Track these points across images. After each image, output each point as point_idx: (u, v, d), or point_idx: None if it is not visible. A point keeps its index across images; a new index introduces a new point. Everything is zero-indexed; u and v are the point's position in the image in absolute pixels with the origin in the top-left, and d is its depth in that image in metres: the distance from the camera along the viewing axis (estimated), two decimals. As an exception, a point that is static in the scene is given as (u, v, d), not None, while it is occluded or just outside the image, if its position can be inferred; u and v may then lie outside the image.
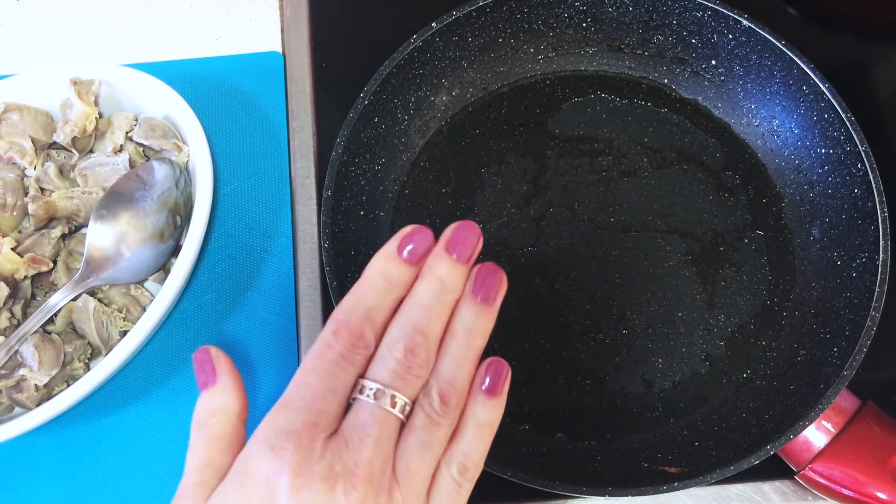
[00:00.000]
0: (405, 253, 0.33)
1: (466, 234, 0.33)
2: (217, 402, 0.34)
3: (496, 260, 0.51)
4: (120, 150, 0.52)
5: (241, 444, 0.34)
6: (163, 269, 0.51)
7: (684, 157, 0.54)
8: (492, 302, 0.34)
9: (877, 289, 0.45)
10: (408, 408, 0.32)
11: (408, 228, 0.34)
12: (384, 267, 0.33)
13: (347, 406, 0.32)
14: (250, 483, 0.30)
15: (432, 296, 0.33)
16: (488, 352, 0.50)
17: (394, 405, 0.31)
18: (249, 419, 0.50)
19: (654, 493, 0.42)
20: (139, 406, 0.50)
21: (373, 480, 0.30)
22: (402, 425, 0.32)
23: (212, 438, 0.33)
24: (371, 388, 0.32)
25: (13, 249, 0.48)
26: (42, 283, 0.50)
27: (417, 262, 0.33)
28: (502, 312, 0.50)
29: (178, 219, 0.50)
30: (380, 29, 0.60)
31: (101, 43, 0.60)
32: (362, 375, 0.32)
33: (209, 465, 0.33)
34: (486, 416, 0.33)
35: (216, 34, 0.60)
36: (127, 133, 0.52)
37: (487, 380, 0.33)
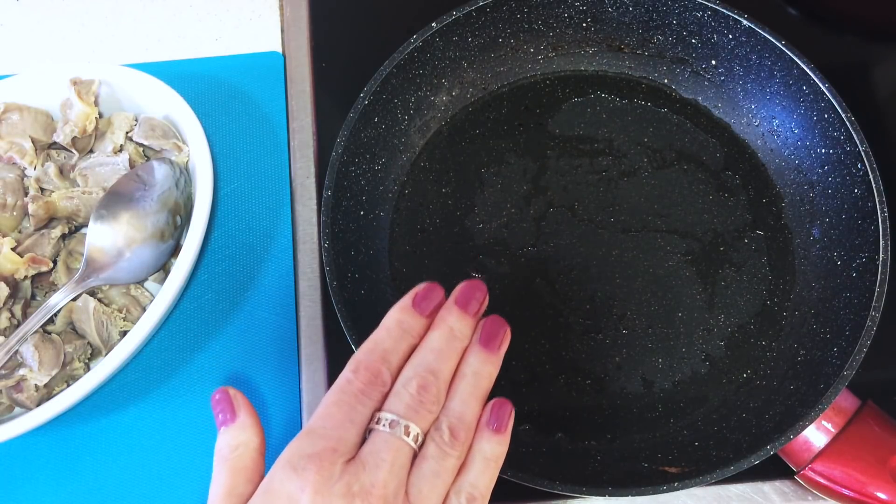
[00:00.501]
0: (420, 306, 0.37)
1: (474, 291, 0.38)
2: (238, 437, 0.37)
3: (496, 260, 0.51)
4: (120, 150, 0.52)
5: (262, 475, 0.36)
6: (163, 269, 0.51)
7: (684, 157, 0.54)
8: (496, 349, 0.38)
9: (877, 289, 0.45)
10: (420, 438, 0.35)
11: (422, 285, 0.38)
12: (400, 317, 0.37)
13: (364, 439, 0.35)
14: (275, 499, 0.33)
15: (443, 342, 0.37)
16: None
17: (407, 434, 0.34)
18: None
19: (654, 493, 0.42)
20: (139, 406, 0.50)
21: (387, 500, 0.33)
22: (415, 455, 0.35)
23: (234, 469, 0.36)
24: (387, 419, 0.34)
25: (13, 249, 0.48)
26: (42, 283, 0.50)
27: (430, 314, 0.37)
28: (502, 312, 0.50)
29: (178, 219, 0.50)
30: (380, 29, 0.60)
31: (101, 43, 0.60)
32: (379, 409, 0.35)
33: (232, 494, 0.35)
34: (492, 450, 0.36)
35: (216, 34, 0.60)
36: (127, 133, 0.52)
37: (493, 417, 0.37)
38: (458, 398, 0.36)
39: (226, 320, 0.51)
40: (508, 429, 0.37)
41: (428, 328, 0.37)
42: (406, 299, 0.38)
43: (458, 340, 0.37)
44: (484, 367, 0.37)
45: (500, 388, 0.48)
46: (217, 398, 0.38)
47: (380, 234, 0.52)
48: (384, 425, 0.34)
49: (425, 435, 0.35)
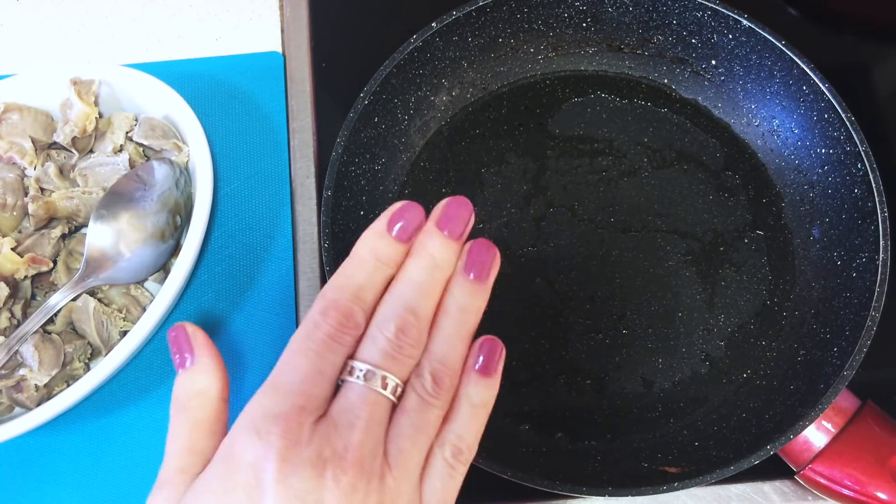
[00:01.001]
0: (395, 230, 0.32)
1: (458, 209, 0.33)
2: (197, 382, 0.33)
3: (496, 260, 0.51)
4: (120, 150, 0.52)
5: (225, 426, 0.33)
6: (163, 269, 0.51)
7: (684, 157, 0.54)
8: (485, 279, 0.33)
9: (877, 289, 0.45)
10: (399, 389, 0.31)
11: (398, 204, 0.33)
12: (374, 244, 0.32)
13: (336, 388, 0.31)
14: (236, 469, 0.29)
15: (423, 273, 0.32)
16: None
17: (385, 386, 0.30)
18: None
19: (654, 493, 0.42)
20: (139, 406, 0.50)
21: (363, 465, 0.29)
22: (394, 407, 0.31)
23: (194, 422, 0.32)
24: (361, 370, 0.31)
25: (13, 249, 0.48)
26: (42, 283, 0.50)
27: (408, 239, 0.33)
28: (502, 312, 0.50)
29: (178, 219, 0.50)
30: (380, 29, 0.60)
31: (101, 43, 0.60)
32: (352, 356, 0.31)
33: (192, 451, 0.32)
34: (480, 396, 0.32)
35: (216, 34, 0.60)
36: (127, 133, 0.52)
37: (481, 359, 0.33)
38: (442, 339, 0.32)
39: (226, 320, 0.51)
40: (498, 371, 0.33)
41: (406, 255, 0.33)
42: (380, 222, 0.33)
43: (441, 270, 0.32)
44: (471, 301, 0.32)
45: (500, 387, 0.48)
46: (173, 336, 0.34)
47: (380, 234, 0.52)
48: (358, 377, 0.30)
49: (405, 384, 0.31)
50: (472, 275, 0.33)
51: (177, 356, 0.33)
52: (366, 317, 0.32)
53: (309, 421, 0.29)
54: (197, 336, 0.34)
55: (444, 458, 0.31)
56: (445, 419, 0.32)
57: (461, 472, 0.32)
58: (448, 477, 0.32)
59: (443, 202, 0.33)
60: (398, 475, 0.30)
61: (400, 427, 0.31)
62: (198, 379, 0.33)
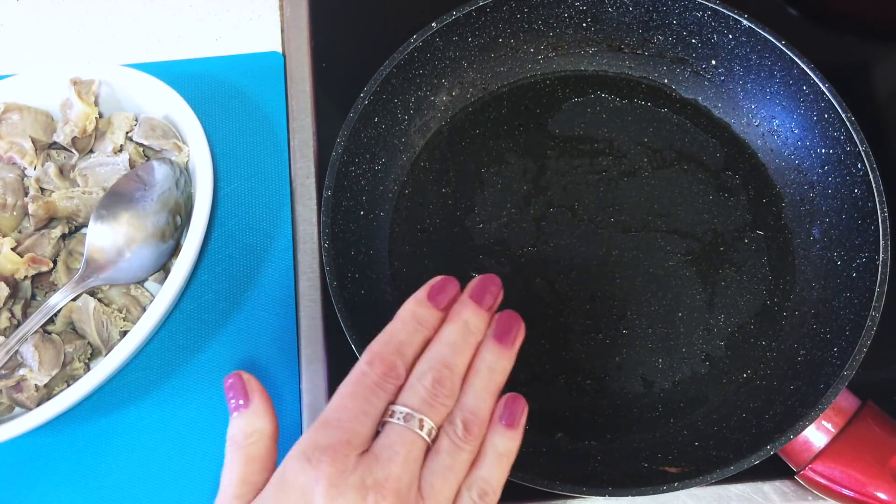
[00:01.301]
0: (434, 299, 0.37)
1: (489, 285, 0.38)
2: (252, 424, 0.37)
3: (496, 260, 0.51)
4: (120, 150, 0.52)
5: (275, 463, 0.36)
6: (163, 269, 0.51)
7: (684, 157, 0.54)
8: (510, 344, 0.37)
9: (877, 289, 0.45)
10: (434, 433, 0.35)
11: (437, 278, 0.38)
12: (415, 309, 0.37)
13: (378, 432, 0.35)
14: (288, 491, 0.33)
15: (458, 336, 0.37)
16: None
17: (421, 428, 0.34)
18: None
19: (654, 493, 0.42)
20: (139, 406, 0.50)
21: (400, 494, 0.33)
22: (428, 449, 0.35)
23: (248, 458, 0.36)
24: (401, 413, 0.35)
25: (13, 249, 0.48)
26: (42, 283, 0.50)
27: (444, 307, 0.37)
28: (502, 312, 0.50)
29: (179, 219, 0.50)
30: (380, 29, 0.60)
31: (101, 43, 0.60)
32: (393, 402, 0.35)
33: (246, 482, 0.35)
34: (505, 445, 0.36)
35: (216, 34, 0.60)
36: (127, 133, 0.52)
37: (506, 412, 0.37)
38: (472, 392, 0.36)
39: (226, 320, 0.51)
40: (521, 424, 0.37)
41: (442, 322, 0.37)
42: (421, 292, 0.38)
43: (473, 335, 0.37)
44: (498, 362, 0.37)
45: (500, 388, 0.48)
46: (230, 383, 0.38)
47: (380, 234, 0.52)
48: (398, 418, 0.34)
49: (438, 429, 0.35)
50: (499, 340, 0.37)
51: (232, 400, 0.37)
52: (406, 370, 0.36)
53: (354, 453, 0.33)
54: (251, 382, 0.38)
55: (471, 498, 0.35)
56: (473, 464, 0.36)
57: None
58: None
59: (476, 279, 0.38)
60: None
61: (433, 465, 0.35)
62: (253, 420, 0.37)
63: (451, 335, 0.37)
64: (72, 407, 0.45)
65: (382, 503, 0.32)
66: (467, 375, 0.37)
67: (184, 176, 0.51)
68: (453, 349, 0.36)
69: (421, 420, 0.34)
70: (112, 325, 0.48)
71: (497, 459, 0.36)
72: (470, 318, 0.37)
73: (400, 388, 0.36)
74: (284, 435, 0.49)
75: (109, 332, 0.48)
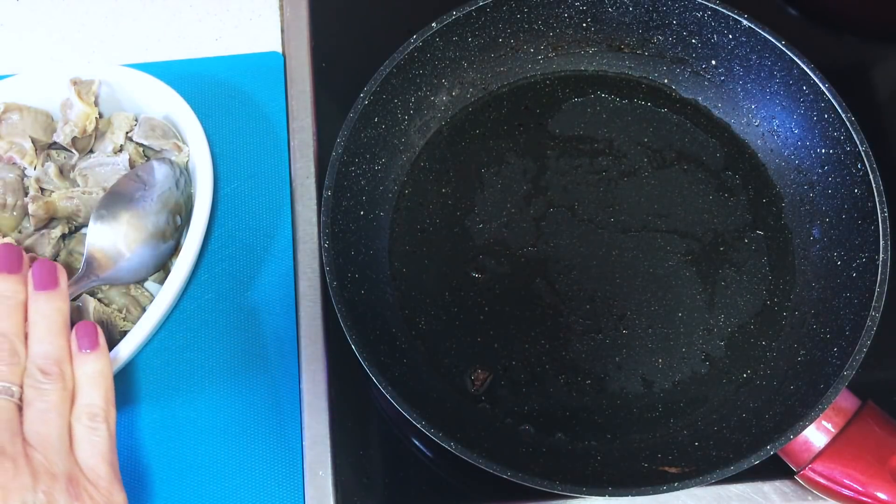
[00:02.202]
0: None
1: (4, 252, 0.41)
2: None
3: (496, 260, 0.51)
4: (120, 150, 0.52)
5: None
6: (163, 269, 0.51)
7: (684, 157, 0.54)
8: (53, 286, 0.41)
9: (877, 289, 0.45)
10: (15, 391, 0.38)
11: None
12: None
13: None
14: None
15: None
16: (489, 351, 0.50)
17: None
18: (249, 421, 0.50)
19: (654, 493, 0.42)
20: (139, 406, 0.50)
21: (5, 450, 0.36)
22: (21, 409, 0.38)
23: None
24: None
25: (13, 249, 0.48)
26: (42, 283, 0.50)
27: None
28: (502, 312, 0.50)
29: (178, 219, 0.50)
30: (380, 29, 0.60)
31: (101, 43, 0.60)
32: None
33: None
34: (93, 368, 0.40)
35: (216, 34, 0.60)
36: (127, 133, 0.52)
37: (79, 340, 0.40)
38: (36, 341, 0.39)
39: (226, 320, 0.51)
40: (100, 343, 0.41)
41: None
42: None
43: (10, 299, 0.40)
44: (49, 306, 0.40)
45: (500, 387, 0.49)
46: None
47: (380, 234, 0.52)
48: None
49: (21, 388, 0.38)
50: (41, 287, 0.40)
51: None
52: None
53: None
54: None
55: (83, 426, 0.38)
56: (74, 399, 0.39)
57: (104, 429, 0.39)
58: (94, 436, 0.39)
59: None
60: (43, 449, 0.37)
61: (29, 416, 0.38)
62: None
63: None
64: (72, 407, 0.44)
65: None
66: (28, 331, 0.40)
67: (184, 176, 0.51)
68: None
69: None
70: (112, 325, 0.48)
71: (91, 382, 0.39)
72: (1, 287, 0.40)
73: None
74: (285, 435, 0.49)
75: (109, 333, 0.48)
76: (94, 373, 0.40)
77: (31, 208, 0.49)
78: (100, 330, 0.41)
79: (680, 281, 0.51)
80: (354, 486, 0.48)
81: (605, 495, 0.42)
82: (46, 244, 0.49)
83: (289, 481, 0.48)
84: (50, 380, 0.38)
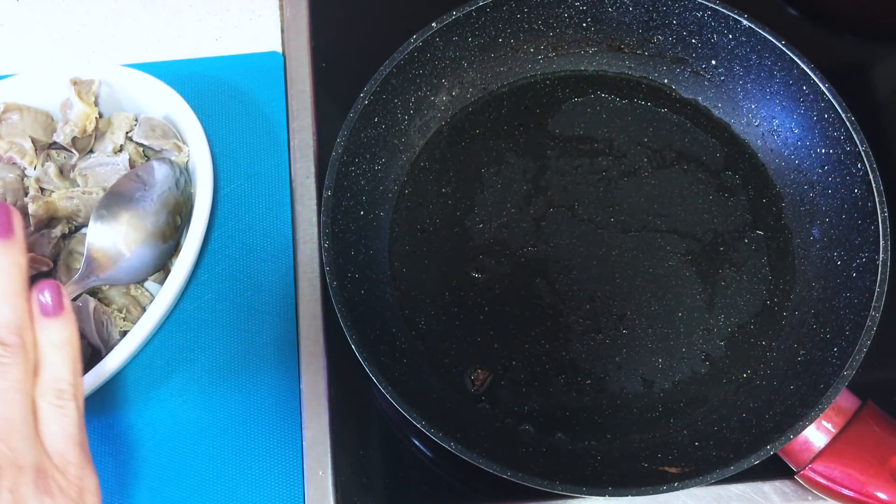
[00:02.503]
0: None
1: None
2: None
3: (496, 260, 0.51)
4: (120, 150, 0.52)
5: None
6: (163, 269, 0.51)
7: (684, 157, 0.54)
8: (8, 233, 0.34)
9: (877, 289, 0.45)
10: None
11: None
12: None
13: None
14: None
15: None
16: (489, 351, 0.50)
17: None
18: (249, 420, 0.50)
19: (654, 493, 0.42)
20: (139, 406, 0.50)
21: None
22: None
23: None
24: None
25: (13, 249, 0.48)
26: (42, 283, 0.50)
27: None
28: (502, 312, 0.50)
29: (179, 219, 0.50)
30: (380, 29, 0.60)
31: (101, 43, 0.60)
32: None
33: None
34: (59, 334, 0.34)
35: (216, 34, 0.60)
36: (127, 133, 0.52)
37: (41, 303, 0.34)
38: None
39: (226, 320, 0.51)
40: (64, 306, 0.35)
41: None
42: None
43: None
44: (5, 261, 0.34)
45: (500, 387, 0.49)
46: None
47: (380, 234, 0.52)
48: None
49: None
50: None
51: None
52: None
53: None
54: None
55: (48, 404, 0.34)
56: (37, 371, 0.34)
57: (73, 407, 0.35)
58: (62, 416, 0.34)
59: None
60: (6, 437, 0.32)
61: None
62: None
63: None
64: (72, 407, 0.44)
65: None
66: None
67: (184, 176, 0.51)
68: None
69: None
70: (112, 325, 0.48)
71: (58, 352, 0.34)
72: None
73: None
74: (285, 435, 0.49)
75: (109, 333, 0.48)
76: (60, 341, 0.35)
77: (31, 208, 0.49)
78: (63, 289, 0.36)
79: (680, 281, 0.51)
80: (354, 486, 0.48)
81: (605, 495, 0.42)
82: (46, 244, 0.49)
83: (289, 481, 0.48)
84: (10, 352, 0.33)
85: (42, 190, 0.51)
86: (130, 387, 0.50)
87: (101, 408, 0.50)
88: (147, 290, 0.50)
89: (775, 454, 0.43)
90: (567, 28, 0.55)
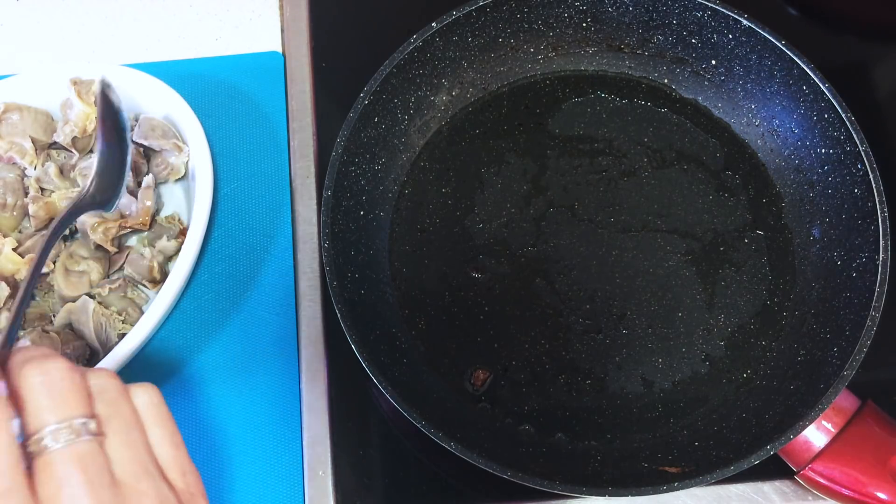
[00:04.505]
0: None
1: None
2: None
3: (496, 260, 0.51)
4: (120, 150, 0.52)
5: None
6: (162, 269, 0.51)
7: (684, 157, 0.54)
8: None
9: (877, 289, 0.45)
10: (90, 423, 0.30)
11: None
12: None
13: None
14: None
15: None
16: (489, 351, 0.50)
17: (79, 434, 0.29)
18: (249, 420, 0.50)
19: (654, 493, 0.42)
20: (139, 406, 0.50)
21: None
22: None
23: None
24: (47, 433, 0.29)
25: (14, 250, 0.48)
26: (42, 283, 0.50)
27: None
28: (502, 312, 0.50)
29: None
30: (380, 29, 0.60)
31: (101, 43, 0.60)
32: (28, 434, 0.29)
33: None
34: (149, 398, 0.32)
35: (216, 34, 0.60)
36: (127, 133, 0.52)
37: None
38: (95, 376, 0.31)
39: (226, 320, 0.51)
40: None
41: None
42: None
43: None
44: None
45: (500, 387, 0.49)
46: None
47: (380, 234, 0.52)
48: (49, 440, 0.28)
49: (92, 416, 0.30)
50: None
51: None
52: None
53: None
54: None
55: (177, 483, 0.32)
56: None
57: None
58: None
59: None
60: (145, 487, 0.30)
61: (112, 449, 0.30)
62: None
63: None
64: (72, 407, 0.44)
65: None
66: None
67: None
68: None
69: (69, 425, 0.28)
70: (111, 327, 0.48)
71: (155, 412, 0.32)
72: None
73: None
74: (285, 435, 0.49)
75: (108, 335, 0.48)
76: (151, 403, 0.33)
77: (31, 208, 0.49)
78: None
79: (680, 281, 0.51)
80: (354, 486, 0.48)
81: (605, 495, 0.42)
82: (46, 244, 0.49)
83: (289, 481, 0.48)
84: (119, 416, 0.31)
85: (42, 190, 0.51)
86: (130, 387, 0.50)
87: (101, 408, 0.50)
88: (145, 292, 0.50)
89: (775, 454, 0.43)
90: (567, 28, 0.55)
